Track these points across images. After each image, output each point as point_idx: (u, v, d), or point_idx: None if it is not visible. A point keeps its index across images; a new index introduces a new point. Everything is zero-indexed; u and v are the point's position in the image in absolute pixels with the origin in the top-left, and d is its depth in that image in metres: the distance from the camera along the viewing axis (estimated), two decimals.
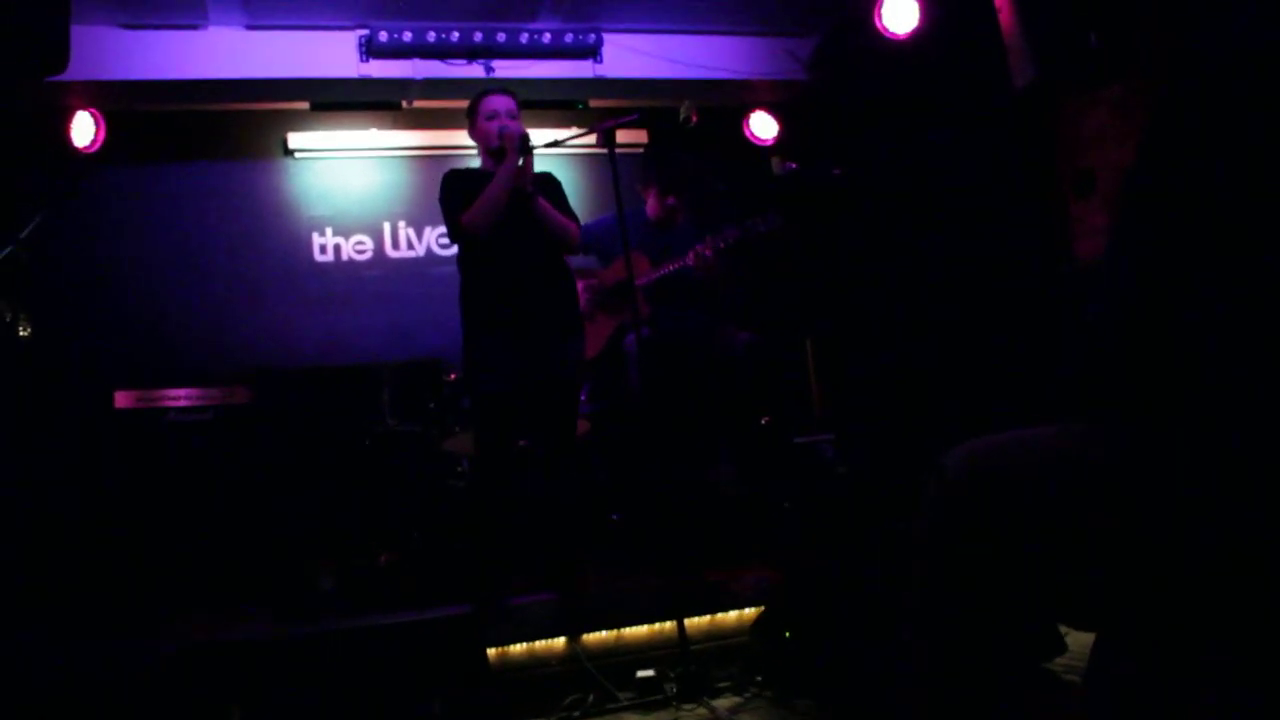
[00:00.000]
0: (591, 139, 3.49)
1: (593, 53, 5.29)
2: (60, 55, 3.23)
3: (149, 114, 5.12)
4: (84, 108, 4.84)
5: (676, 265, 4.12)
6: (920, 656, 1.26)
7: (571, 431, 3.54)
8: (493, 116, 3.49)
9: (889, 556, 2.98)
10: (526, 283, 3.39)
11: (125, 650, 3.02)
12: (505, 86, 3.62)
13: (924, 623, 1.27)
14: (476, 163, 3.68)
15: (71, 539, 3.79)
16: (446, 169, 3.56)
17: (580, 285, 4.27)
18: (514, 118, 3.50)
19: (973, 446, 1.27)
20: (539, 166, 3.52)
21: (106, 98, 4.87)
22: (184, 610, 3.88)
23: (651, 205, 4.36)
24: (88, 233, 4.98)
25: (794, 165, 4.19)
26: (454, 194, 3.43)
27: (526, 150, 3.38)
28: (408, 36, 5.02)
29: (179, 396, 4.31)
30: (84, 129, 4.84)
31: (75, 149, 4.83)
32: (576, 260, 4.44)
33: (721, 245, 3.98)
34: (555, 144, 3.79)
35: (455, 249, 3.57)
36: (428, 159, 5.56)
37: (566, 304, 3.52)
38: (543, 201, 3.43)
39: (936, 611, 1.26)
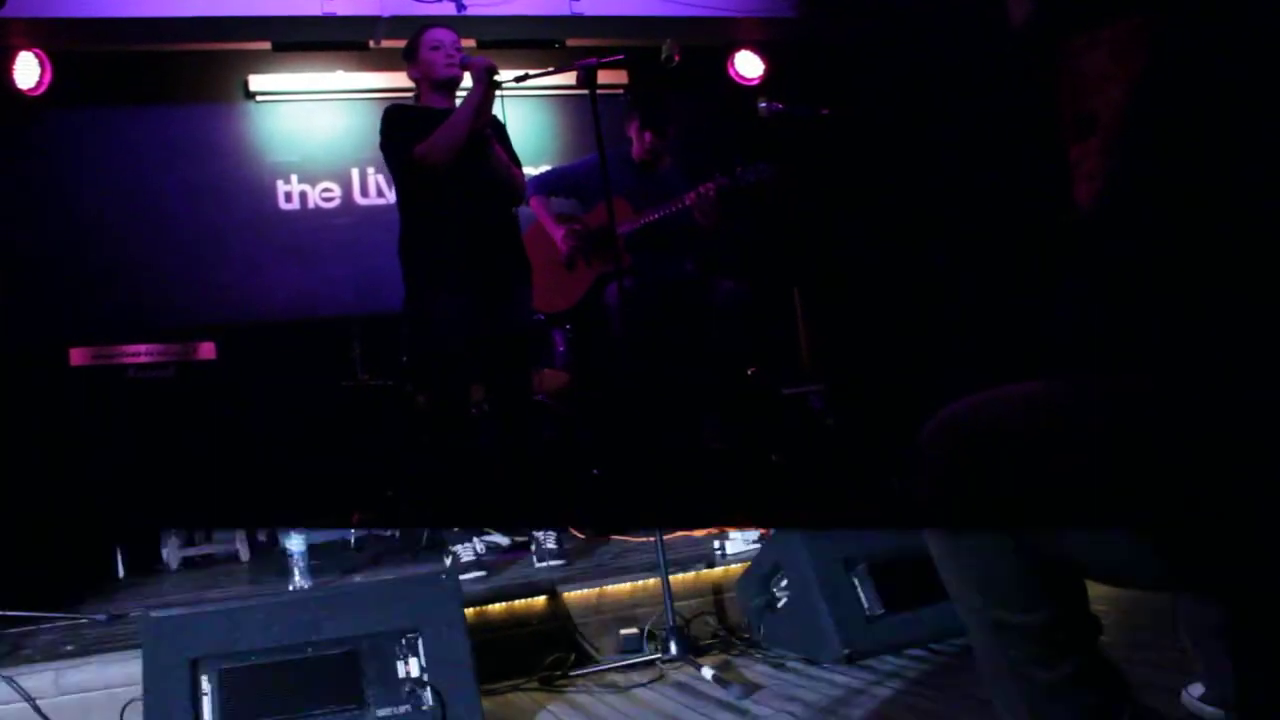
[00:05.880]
0: (566, 78, 3.33)
1: None
2: None
3: (99, 54, 4.87)
4: (27, 47, 4.63)
5: (663, 211, 4.00)
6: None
7: (527, 383, 3.46)
8: (438, 47, 3.31)
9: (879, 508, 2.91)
10: (478, 231, 3.25)
11: (87, 616, 2.92)
12: (447, 24, 3.43)
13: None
14: None
15: (25, 501, 3.67)
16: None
17: (562, 231, 4.17)
18: (459, 53, 3.33)
19: (942, 414, 1.28)
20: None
21: (52, 36, 4.66)
22: (149, 573, 3.79)
23: (637, 146, 4.21)
24: (36, 181, 4.75)
25: (780, 105, 4.01)
26: (400, 127, 3.27)
27: (494, 83, 3.19)
28: None
29: (139, 353, 4.20)
30: (28, 70, 4.64)
31: (19, 92, 4.63)
32: (558, 204, 4.33)
33: (726, 184, 3.87)
34: (525, 78, 3.55)
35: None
36: (397, 102, 5.36)
37: (516, 252, 3.40)
38: (497, 147, 3.28)
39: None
